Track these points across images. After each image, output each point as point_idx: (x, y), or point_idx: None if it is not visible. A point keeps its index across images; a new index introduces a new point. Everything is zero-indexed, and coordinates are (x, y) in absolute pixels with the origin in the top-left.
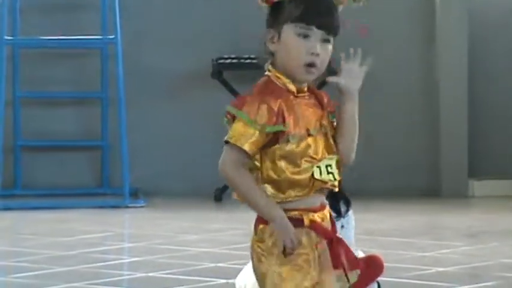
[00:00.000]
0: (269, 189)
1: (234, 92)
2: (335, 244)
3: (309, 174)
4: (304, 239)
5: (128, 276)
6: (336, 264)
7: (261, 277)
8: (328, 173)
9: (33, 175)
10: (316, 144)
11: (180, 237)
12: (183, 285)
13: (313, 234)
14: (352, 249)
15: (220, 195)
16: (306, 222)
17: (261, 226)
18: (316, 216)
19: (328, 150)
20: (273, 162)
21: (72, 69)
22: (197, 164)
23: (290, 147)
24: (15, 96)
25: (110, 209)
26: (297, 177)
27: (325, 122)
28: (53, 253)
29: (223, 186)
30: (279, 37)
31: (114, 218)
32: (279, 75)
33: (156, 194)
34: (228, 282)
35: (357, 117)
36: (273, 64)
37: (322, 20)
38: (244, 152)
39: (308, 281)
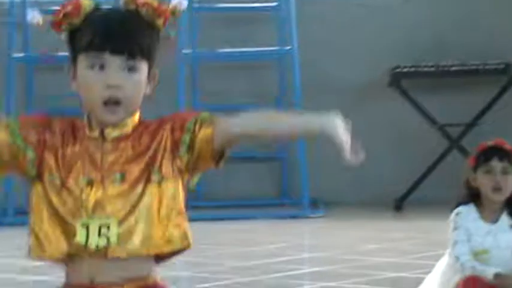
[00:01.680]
0: None
1: (412, 101)
2: None
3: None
4: None
5: (309, 286)
6: None
7: None
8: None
9: (213, 186)
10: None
11: (360, 246)
12: None
13: None
14: None
15: (400, 204)
16: None
17: None
18: None
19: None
20: None
21: (250, 80)
22: (376, 173)
23: None
24: (195, 108)
25: (289, 219)
26: None
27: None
28: (234, 263)
29: (403, 195)
30: (75, 73)
31: (293, 228)
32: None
33: (335, 203)
34: None
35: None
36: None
37: (118, 43)
38: None
39: None
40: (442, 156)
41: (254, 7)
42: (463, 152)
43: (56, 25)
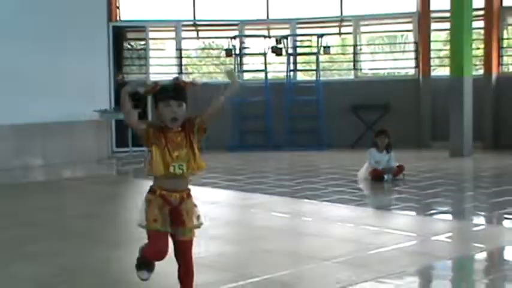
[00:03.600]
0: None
1: None
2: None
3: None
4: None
5: None
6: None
7: None
8: (179, 169)
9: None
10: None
11: None
12: None
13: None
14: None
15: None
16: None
17: None
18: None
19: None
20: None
21: None
22: None
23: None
24: None
25: None
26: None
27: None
28: None
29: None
30: (157, 108)
31: None
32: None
33: None
34: None
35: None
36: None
37: (174, 95)
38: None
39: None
40: None
41: None
42: None
43: (149, 93)
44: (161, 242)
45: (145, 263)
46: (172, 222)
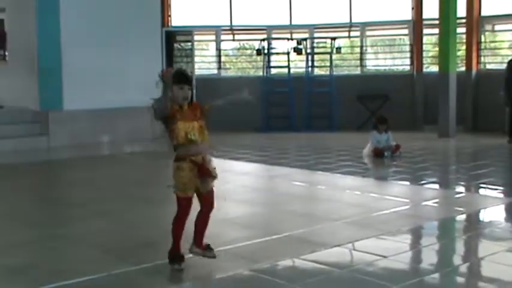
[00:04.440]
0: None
1: None
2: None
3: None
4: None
5: None
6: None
7: None
8: (194, 136)
9: None
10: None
11: None
12: None
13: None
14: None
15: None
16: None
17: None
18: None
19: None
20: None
21: None
22: None
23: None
24: None
25: None
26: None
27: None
28: None
29: None
30: (172, 89)
31: None
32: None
33: None
34: None
35: None
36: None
37: (186, 81)
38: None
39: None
40: None
41: None
42: None
43: (164, 77)
44: (189, 207)
45: (177, 256)
46: (201, 176)
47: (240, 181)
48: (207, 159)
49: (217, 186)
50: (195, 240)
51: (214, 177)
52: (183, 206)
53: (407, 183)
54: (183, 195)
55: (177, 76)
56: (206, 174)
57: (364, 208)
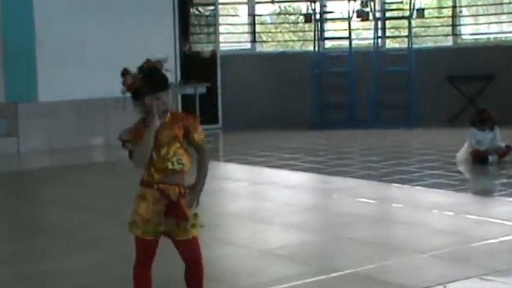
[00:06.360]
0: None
1: None
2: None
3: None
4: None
5: None
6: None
7: None
8: (179, 164)
9: None
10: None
11: None
12: None
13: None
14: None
15: None
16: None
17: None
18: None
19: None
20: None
21: None
22: None
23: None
24: None
25: None
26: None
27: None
28: None
29: None
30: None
31: None
32: None
33: None
34: None
35: None
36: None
37: (162, 86)
38: None
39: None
40: None
41: None
42: None
43: (131, 90)
44: (150, 251)
45: None
46: (175, 218)
47: (284, 197)
48: (187, 199)
49: (253, 204)
50: None
51: (194, 224)
52: (141, 249)
53: None
54: (141, 237)
55: (147, 82)
56: (180, 217)
57: (459, 236)
